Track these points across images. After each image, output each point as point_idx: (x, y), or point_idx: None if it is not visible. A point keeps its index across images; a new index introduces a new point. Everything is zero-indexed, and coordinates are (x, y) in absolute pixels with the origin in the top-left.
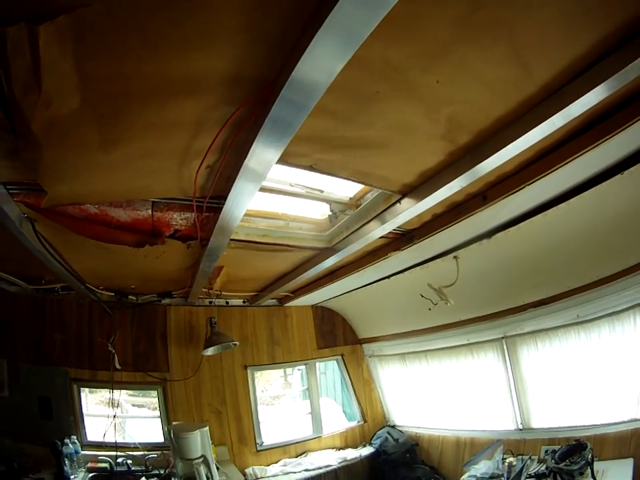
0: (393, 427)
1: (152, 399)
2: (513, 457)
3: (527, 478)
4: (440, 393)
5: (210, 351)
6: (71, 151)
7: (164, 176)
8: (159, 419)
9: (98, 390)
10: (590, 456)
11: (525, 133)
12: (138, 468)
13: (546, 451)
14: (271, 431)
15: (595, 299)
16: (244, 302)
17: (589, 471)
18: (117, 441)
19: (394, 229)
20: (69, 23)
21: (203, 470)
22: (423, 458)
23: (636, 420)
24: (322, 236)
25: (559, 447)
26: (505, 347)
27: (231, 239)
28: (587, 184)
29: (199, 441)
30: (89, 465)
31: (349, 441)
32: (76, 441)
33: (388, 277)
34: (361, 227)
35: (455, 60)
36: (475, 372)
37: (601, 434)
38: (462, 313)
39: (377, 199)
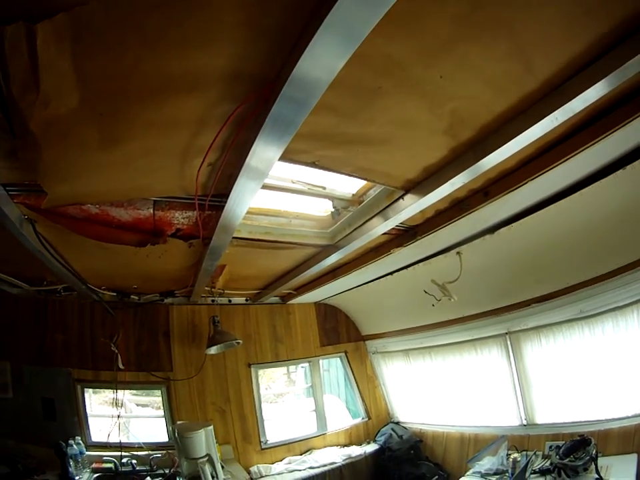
0: (397, 423)
1: (156, 398)
2: (517, 452)
3: (531, 474)
4: (444, 389)
5: (213, 350)
6: (71, 151)
7: (165, 175)
8: (163, 419)
9: (101, 390)
10: (594, 451)
11: (527, 128)
12: (143, 468)
13: (550, 447)
14: (275, 429)
15: (598, 293)
16: (246, 300)
17: (593, 466)
18: (122, 441)
19: (397, 225)
20: (66, 22)
21: (207, 469)
22: (427, 454)
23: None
24: (324, 233)
25: (563, 442)
26: (508, 342)
27: (233, 237)
28: (588, 179)
29: (203, 440)
30: (94, 465)
31: (353, 438)
32: (80, 441)
33: (391, 273)
34: (364, 223)
35: (457, 56)
36: (478, 368)
37: (605, 429)
38: (465, 308)
39: (380, 195)
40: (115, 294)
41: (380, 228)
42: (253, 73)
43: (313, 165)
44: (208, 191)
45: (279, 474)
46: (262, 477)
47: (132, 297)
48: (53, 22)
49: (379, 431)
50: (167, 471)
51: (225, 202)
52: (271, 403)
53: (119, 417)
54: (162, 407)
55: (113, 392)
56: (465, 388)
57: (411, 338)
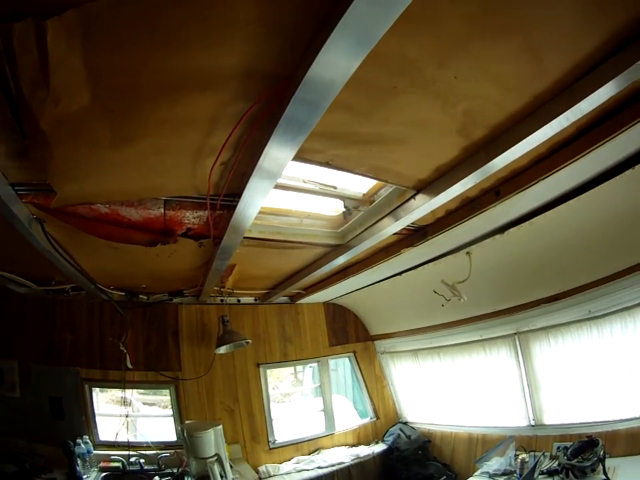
0: (405, 423)
1: (163, 397)
2: (525, 453)
3: (539, 474)
4: (452, 389)
5: (222, 350)
6: (82, 149)
7: (177, 174)
8: (171, 418)
9: (108, 389)
10: (602, 452)
11: (539, 128)
12: (151, 467)
13: (558, 448)
14: (283, 429)
15: (606, 294)
16: (255, 300)
17: (600, 467)
18: (130, 440)
19: (407, 225)
20: (77, 18)
21: (216, 468)
22: (435, 455)
23: None
24: (335, 233)
25: (571, 443)
26: (517, 342)
27: (244, 237)
28: (598, 179)
29: (212, 440)
30: (101, 464)
31: (362, 438)
32: (88, 440)
33: (400, 273)
34: (375, 223)
35: (471, 55)
36: (487, 368)
37: (613, 430)
38: (474, 309)
39: (392, 194)
40: (123, 293)
41: (391, 228)
42: (267, 72)
43: (327, 164)
44: (220, 190)
45: (287, 473)
46: (270, 476)
47: (141, 296)
48: (63, 18)
49: (387, 431)
50: (175, 470)
51: (237, 201)
52: (278, 402)
53: (127, 416)
54: (169, 406)
55: (121, 391)
56: (474, 388)
57: (420, 338)
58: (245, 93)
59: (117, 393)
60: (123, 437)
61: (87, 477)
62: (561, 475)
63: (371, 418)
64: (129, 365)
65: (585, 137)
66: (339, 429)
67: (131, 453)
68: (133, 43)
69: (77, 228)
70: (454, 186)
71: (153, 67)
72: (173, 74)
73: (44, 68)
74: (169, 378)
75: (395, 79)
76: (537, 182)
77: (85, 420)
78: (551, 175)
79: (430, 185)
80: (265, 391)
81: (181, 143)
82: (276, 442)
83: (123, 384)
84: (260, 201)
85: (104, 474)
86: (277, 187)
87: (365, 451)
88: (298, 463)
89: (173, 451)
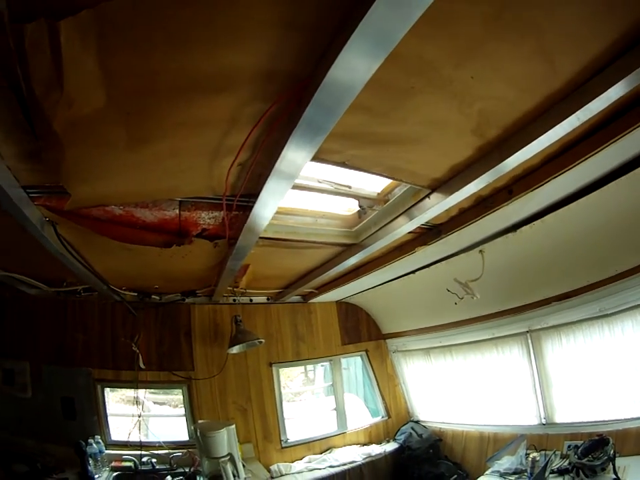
0: (417, 422)
1: (173, 396)
2: (536, 452)
3: (550, 474)
4: (464, 387)
5: (235, 349)
6: (96, 151)
7: (194, 175)
8: (183, 417)
9: (118, 388)
10: (612, 451)
11: (551, 127)
12: (163, 466)
13: (569, 446)
14: (295, 428)
15: (617, 292)
16: (268, 299)
17: (610, 466)
18: (142, 440)
19: (421, 224)
20: (92, 18)
21: (229, 468)
22: (446, 453)
23: None
24: (349, 232)
25: (582, 442)
26: (529, 341)
27: (259, 237)
28: (609, 176)
29: (225, 439)
30: (113, 464)
31: (373, 437)
32: (100, 440)
33: (413, 271)
34: (389, 222)
35: (487, 56)
36: (499, 366)
37: (623, 429)
38: (486, 307)
39: (406, 194)
40: (135, 294)
41: (405, 227)
42: (286, 72)
43: (343, 164)
44: (237, 191)
45: (299, 472)
46: (282, 475)
47: (153, 297)
48: (78, 18)
49: (399, 430)
50: (187, 470)
51: (253, 202)
52: (288, 401)
53: (139, 416)
54: (179, 405)
55: (133, 391)
56: (485, 387)
57: (432, 336)
58: (264, 93)
59: (126, 392)
60: (135, 437)
61: (99, 477)
62: (571, 474)
63: (383, 417)
64: (142, 365)
65: (597, 135)
66: (350, 428)
67: (143, 452)
68: (149, 44)
69: (91, 230)
70: (468, 185)
71: (170, 68)
72: (190, 74)
73: (57, 69)
74: (182, 378)
75: (413, 79)
76: (549, 180)
77: (96, 420)
78: (563, 173)
79: (444, 184)
80: (277, 390)
81: (198, 143)
82: (288, 441)
83: (135, 384)
84: (277, 202)
85: (115, 473)
86: (292, 186)
87: (376, 449)
88: (310, 462)
89: (185, 450)
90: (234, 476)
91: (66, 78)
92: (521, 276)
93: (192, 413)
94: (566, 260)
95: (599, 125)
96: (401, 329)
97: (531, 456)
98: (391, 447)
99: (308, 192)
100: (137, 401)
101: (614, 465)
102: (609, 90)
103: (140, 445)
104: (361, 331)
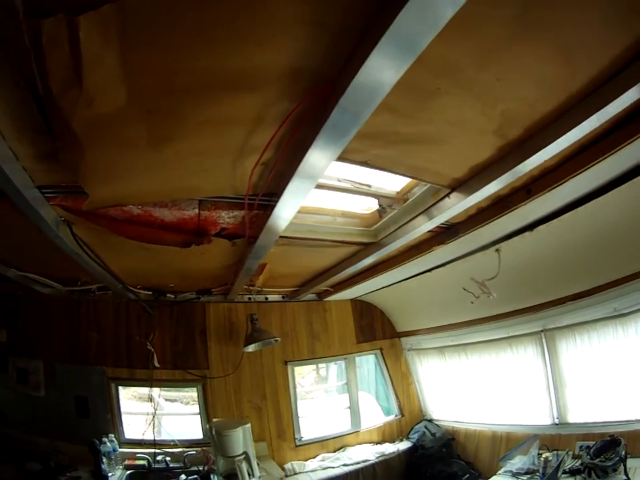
0: (430, 421)
1: (185, 393)
2: (549, 452)
3: (562, 474)
4: (478, 386)
5: (251, 348)
6: (116, 150)
7: (216, 174)
8: (197, 415)
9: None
10: (623, 452)
11: (571, 128)
12: (176, 465)
13: (581, 447)
14: (309, 426)
15: (632, 291)
16: (283, 297)
17: (622, 467)
18: (155, 438)
19: (440, 223)
20: (113, 13)
21: (244, 466)
22: (459, 452)
23: None
24: (368, 231)
25: (594, 442)
26: (544, 340)
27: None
28: (625, 176)
29: (240, 438)
30: (127, 462)
31: (387, 436)
32: (114, 438)
33: (429, 270)
34: (409, 221)
35: (511, 58)
36: (513, 366)
37: (635, 430)
38: (501, 306)
39: (426, 193)
40: (150, 293)
41: (424, 226)
42: (313, 71)
43: (365, 164)
44: (259, 190)
45: (312, 471)
46: (296, 473)
47: (168, 295)
48: (99, 13)
49: (412, 429)
50: (201, 468)
51: (275, 201)
52: (301, 399)
53: (154, 414)
54: (191, 402)
55: (148, 389)
56: (499, 386)
57: (446, 335)
58: (291, 93)
59: (138, 390)
60: (148, 435)
61: (112, 475)
62: (583, 475)
63: (396, 415)
64: (156, 364)
65: (615, 134)
66: (364, 427)
67: (157, 450)
68: (173, 41)
69: (108, 230)
70: (488, 185)
71: (195, 66)
72: (215, 73)
73: (76, 66)
74: (197, 376)
75: (439, 81)
76: (567, 180)
77: (110, 418)
78: (581, 172)
79: (464, 184)
80: (292, 389)
81: (222, 143)
82: (302, 439)
83: (150, 382)
84: (299, 202)
85: (129, 472)
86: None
87: (390, 448)
88: (323, 461)
89: (199, 448)
90: (249, 474)
91: (85, 75)
92: (536, 275)
93: (206, 412)
94: (581, 259)
95: (615, 126)
96: (415, 327)
97: (543, 456)
98: (404, 445)
99: (327, 190)
100: (150, 399)
101: (625, 466)
102: (628, 92)
103: (154, 443)
104: (375, 329)
